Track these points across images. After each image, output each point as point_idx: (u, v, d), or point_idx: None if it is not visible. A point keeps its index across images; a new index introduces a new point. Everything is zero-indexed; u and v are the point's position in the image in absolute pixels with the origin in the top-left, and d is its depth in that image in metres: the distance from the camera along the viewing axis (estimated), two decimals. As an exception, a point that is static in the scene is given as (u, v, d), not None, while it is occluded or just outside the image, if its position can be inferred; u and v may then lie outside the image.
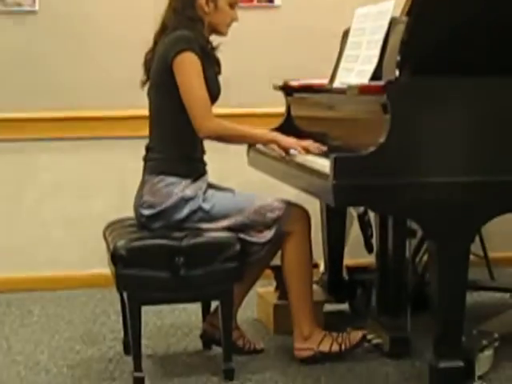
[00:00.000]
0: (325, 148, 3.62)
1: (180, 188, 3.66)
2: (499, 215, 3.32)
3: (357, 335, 3.81)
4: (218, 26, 3.82)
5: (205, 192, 3.72)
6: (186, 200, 3.66)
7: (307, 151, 3.65)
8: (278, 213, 3.68)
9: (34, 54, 5.11)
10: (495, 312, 4.09)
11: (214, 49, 3.79)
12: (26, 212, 5.15)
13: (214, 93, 3.72)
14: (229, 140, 3.83)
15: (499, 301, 4.54)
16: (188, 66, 3.64)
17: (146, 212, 3.69)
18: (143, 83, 3.85)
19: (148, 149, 3.80)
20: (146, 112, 3.82)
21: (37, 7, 5.06)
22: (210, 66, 3.72)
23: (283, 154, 3.78)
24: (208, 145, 3.83)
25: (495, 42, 3.60)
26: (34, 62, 5.10)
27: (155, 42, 3.81)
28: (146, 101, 3.81)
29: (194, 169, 3.75)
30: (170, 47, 3.65)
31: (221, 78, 3.82)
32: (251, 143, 4.10)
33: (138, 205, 3.73)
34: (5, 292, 5.03)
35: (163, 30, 3.78)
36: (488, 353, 3.52)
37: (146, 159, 3.80)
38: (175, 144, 3.73)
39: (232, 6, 3.82)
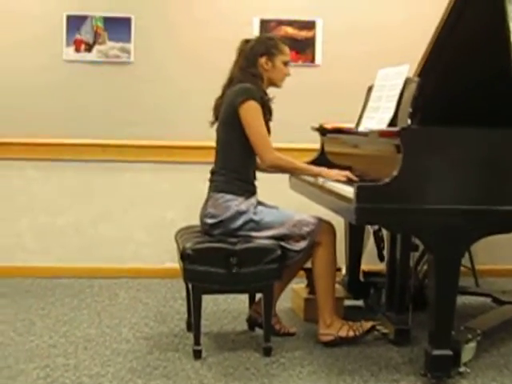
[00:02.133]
0: (356, 178, 3.59)
1: (236, 203, 3.66)
2: (485, 236, 3.28)
3: (368, 325, 3.79)
4: (275, 81, 3.81)
5: (255, 207, 3.71)
6: (240, 213, 3.66)
7: (347, 178, 3.60)
8: (312, 227, 3.68)
9: (130, 94, 5.16)
10: (479, 312, 4.03)
11: (269, 100, 3.77)
12: (115, 218, 5.19)
13: None
14: (285, 170, 3.83)
15: (482, 304, 4.48)
16: (253, 111, 3.63)
17: (209, 221, 3.70)
18: (212, 123, 3.84)
19: (213, 172, 3.80)
20: (211, 143, 3.82)
21: (132, 59, 5.12)
22: (265, 113, 3.71)
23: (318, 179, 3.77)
24: (259, 173, 3.84)
25: (488, 100, 3.59)
26: (129, 100, 5.16)
27: (223, 92, 3.81)
28: (211, 135, 3.81)
29: (247, 189, 3.75)
30: (237, 96, 3.65)
31: (271, 123, 3.80)
32: (300, 174, 4.00)
33: (203, 215, 3.74)
34: (98, 278, 5.08)
35: (230, 82, 3.79)
36: (472, 345, 3.48)
37: (211, 180, 3.79)
38: (234, 169, 3.72)
39: (286, 64, 3.81)
